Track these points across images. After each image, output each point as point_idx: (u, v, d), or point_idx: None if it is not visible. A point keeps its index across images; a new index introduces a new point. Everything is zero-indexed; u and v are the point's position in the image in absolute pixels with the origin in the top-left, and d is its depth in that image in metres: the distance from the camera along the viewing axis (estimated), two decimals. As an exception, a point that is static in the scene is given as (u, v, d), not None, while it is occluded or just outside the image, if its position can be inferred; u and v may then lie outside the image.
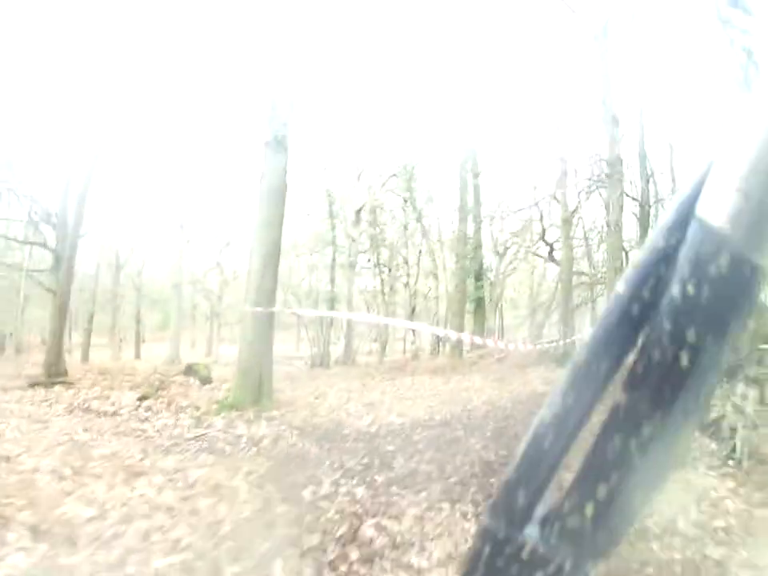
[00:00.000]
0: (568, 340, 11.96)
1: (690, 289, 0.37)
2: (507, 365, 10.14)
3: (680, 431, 0.39)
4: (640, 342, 0.39)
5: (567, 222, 14.02)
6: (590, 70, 11.04)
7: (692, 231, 0.38)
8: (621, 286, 0.41)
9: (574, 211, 15.28)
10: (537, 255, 19.07)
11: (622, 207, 9.54)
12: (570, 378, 0.41)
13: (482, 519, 0.43)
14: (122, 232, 17.48)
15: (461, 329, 13.53)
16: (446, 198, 17.79)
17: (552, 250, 17.39)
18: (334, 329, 16.91)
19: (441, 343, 16.11)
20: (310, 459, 4.76)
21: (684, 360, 0.37)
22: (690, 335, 0.37)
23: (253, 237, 8.04)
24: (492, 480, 4.18)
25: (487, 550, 0.41)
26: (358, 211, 17.87)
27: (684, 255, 0.38)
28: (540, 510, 0.40)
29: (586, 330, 14.59)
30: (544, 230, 17.90)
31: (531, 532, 0.40)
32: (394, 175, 18.00)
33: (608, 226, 9.85)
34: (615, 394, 0.39)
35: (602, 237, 13.98)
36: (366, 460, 4.73)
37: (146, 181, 18.27)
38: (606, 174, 9.88)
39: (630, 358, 0.40)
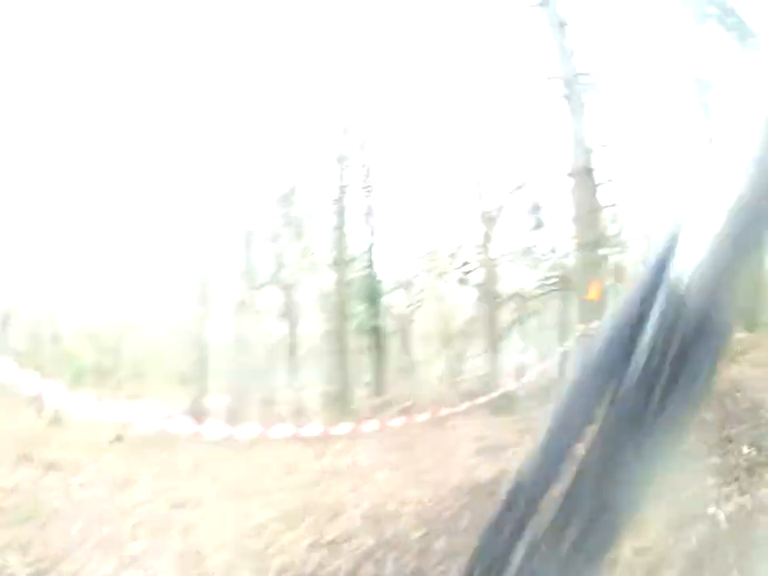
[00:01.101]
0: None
1: (658, 352, 0.40)
2: (418, 420, 6.16)
3: (648, 477, 0.42)
4: (611, 394, 0.42)
5: (490, 222, 10.81)
6: None
7: (661, 298, 0.42)
8: (602, 335, 0.45)
9: (499, 209, 12.26)
10: (450, 280, 15.96)
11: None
12: (553, 421, 0.45)
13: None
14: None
15: (344, 369, 9.26)
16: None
17: (467, 272, 14.30)
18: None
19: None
20: None
21: (649, 416, 0.40)
22: (656, 394, 0.40)
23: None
24: None
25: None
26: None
27: (654, 320, 0.41)
28: (527, 536, 0.43)
29: (518, 358, 11.24)
30: (458, 248, 14.83)
31: (517, 559, 0.43)
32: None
33: (572, 175, 6.62)
34: (591, 436, 0.42)
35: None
36: None
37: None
38: (564, 95, 6.79)
39: (603, 407, 0.42)
